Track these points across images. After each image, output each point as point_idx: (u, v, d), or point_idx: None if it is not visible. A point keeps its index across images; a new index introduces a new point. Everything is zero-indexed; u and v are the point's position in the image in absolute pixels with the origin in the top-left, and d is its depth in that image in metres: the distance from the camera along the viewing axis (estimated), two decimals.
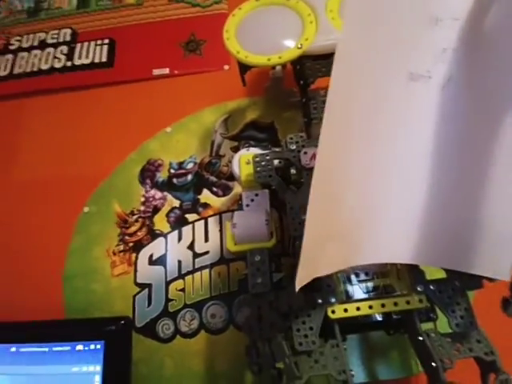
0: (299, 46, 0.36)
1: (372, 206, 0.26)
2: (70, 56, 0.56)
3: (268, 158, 0.32)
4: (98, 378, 0.29)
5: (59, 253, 0.44)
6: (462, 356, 0.26)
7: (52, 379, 0.29)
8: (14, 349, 0.30)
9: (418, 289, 0.28)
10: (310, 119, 0.37)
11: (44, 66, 0.55)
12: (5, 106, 0.54)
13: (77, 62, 0.55)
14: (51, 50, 0.57)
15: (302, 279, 0.25)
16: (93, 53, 0.55)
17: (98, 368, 0.29)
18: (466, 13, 0.24)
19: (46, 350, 0.30)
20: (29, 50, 0.57)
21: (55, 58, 0.56)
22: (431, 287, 0.28)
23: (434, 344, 0.26)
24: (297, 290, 0.25)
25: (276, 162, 0.34)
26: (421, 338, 0.27)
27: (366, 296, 0.29)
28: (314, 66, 0.36)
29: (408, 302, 0.28)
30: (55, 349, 0.30)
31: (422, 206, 0.25)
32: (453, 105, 0.25)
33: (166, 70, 0.51)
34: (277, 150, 0.35)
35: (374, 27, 0.28)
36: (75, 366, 0.29)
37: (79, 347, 0.30)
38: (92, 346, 0.30)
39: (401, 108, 0.26)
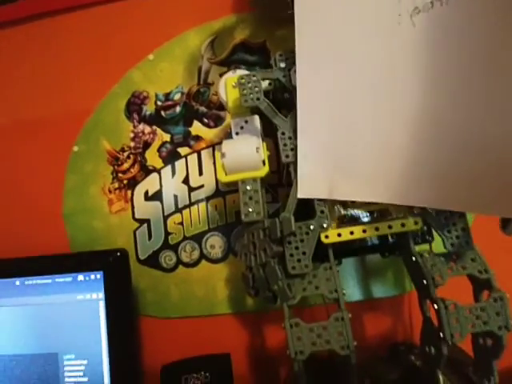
0: None
1: (358, 144, 0.26)
2: None
3: (255, 78, 0.29)
4: (102, 304, 0.31)
5: (56, 193, 0.44)
6: (454, 274, 0.26)
7: (59, 307, 0.31)
8: (18, 282, 0.32)
9: (415, 211, 0.27)
10: None
11: None
12: None
13: None
14: None
15: (306, 192, 0.27)
16: None
17: (101, 295, 0.31)
18: None
19: (50, 281, 0.31)
20: None
21: None
22: (428, 209, 0.27)
23: (426, 263, 0.27)
24: (299, 196, 0.27)
25: (266, 83, 0.31)
26: (414, 259, 0.27)
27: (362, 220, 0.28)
28: None
29: (403, 225, 0.27)
30: (58, 280, 0.31)
31: (419, 144, 0.25)
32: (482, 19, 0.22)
33: None
34: (264, 70, 0.32)
35: None
36: (79, 294, 0.31)
37: (80, 278, 0.31)
38: (92, 276, 0.31)
39: (413, 49, 0.24)
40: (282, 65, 0.30)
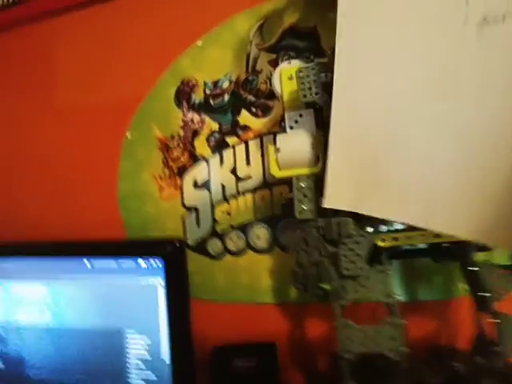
0: None
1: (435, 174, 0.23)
2: None
3: (314, 71, 0.28)
4: (161, 289, 0.33)
5: (110, 177, 0.46)
6: None
7: (124, 288, 0.34)
8: (87, 263, 0.35)
9: None
10: None
11: None
12: (35, 29, 0.51)
13: None
14: None
15: (332, 202, 0.26)
16: None
17: (161, 280, 0.33)
18: None
19: (115, 264, 0.34)
20: None
21: None
22: None
23: (487, 275, 0.25)
24: (324, 205, 0.26)
25: (322, 75, 0.30)
26: (474, 269, 0.26)
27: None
28: None
29: None
30: (122, 264, 0.34)
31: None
32: None
33: None
34: (322, 60, 0.30)
35: None
36: (141, 278, 0.34)
37: (142, 264, 0.34)
38: (153, 263, 0.33)
39: (473, 63, 0.22)
40: None
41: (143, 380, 0.34)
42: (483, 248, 0.29)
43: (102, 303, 0.35)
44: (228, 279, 0.42)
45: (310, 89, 0.28)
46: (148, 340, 0.34)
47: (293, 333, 0.39)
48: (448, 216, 0.23)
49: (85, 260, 0.36)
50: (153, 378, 0.34)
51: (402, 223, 0.25)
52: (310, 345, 0.39)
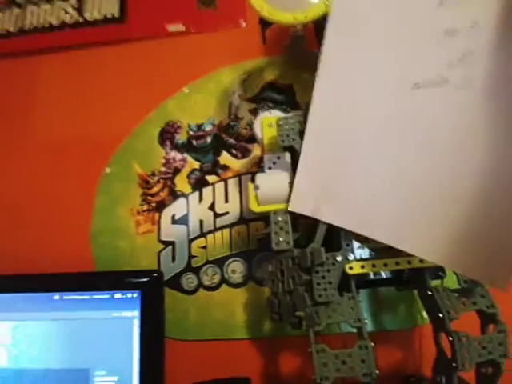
0: (326, 1, 0.34)
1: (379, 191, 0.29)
2: (80, 10, 0.54)
3: (292, 121, 0.32)
4: (136, 322, 0.32)
5: (85, 211, 0.46)
6: (467, 309, 0.29)
7: (94, 323, 0.33)
8: (57, 297, 0.34)
9: None
10: None
11: (55, 22, 0.54)
12: (18, 64, 0.53)
13: (88, 17, 0.53)
14: (60, 3, 0.55)
15: (295, 207, 0.31)
16: (100, 4, 0.53)
17: (136, 313, 0.33)
18: (489, 16, 0.26)
19: (88, 297, 0.33)
20: (37, 3, 0.55)
21: (65, 12, 0.54)
22: None
23: (442, 298, 0.29)
24: (289, 209, 0.31)
25: (298, 125, 0.34)
26: (430, 293, 0.29)
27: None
28: None
29: (421, 261, 0.30)
30: (96, 296, 0.33)
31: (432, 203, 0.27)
32: (472, 103, 0.26)
33: (181, 27, 0.50)
34: (298, 112, 0.35)
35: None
36: (115, 311, 0.33)
37: (117, 295, 0.33)
38: (129, 295, 0.33)
39: (406, 115, 0.28)
40: None
41: None
42: (437, 275, 0.33)
43: (70, 340, 0.33)
44: (201, 315, 0.42)
45: (287, 135, 0.32)
46: (117, 379, 0.32)
47: (267, 367, 0.39)
48: (381, 227, 0.28)
49: (54, 294, 0.35)
50: None
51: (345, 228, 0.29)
52: (285, 379, 0.39)
